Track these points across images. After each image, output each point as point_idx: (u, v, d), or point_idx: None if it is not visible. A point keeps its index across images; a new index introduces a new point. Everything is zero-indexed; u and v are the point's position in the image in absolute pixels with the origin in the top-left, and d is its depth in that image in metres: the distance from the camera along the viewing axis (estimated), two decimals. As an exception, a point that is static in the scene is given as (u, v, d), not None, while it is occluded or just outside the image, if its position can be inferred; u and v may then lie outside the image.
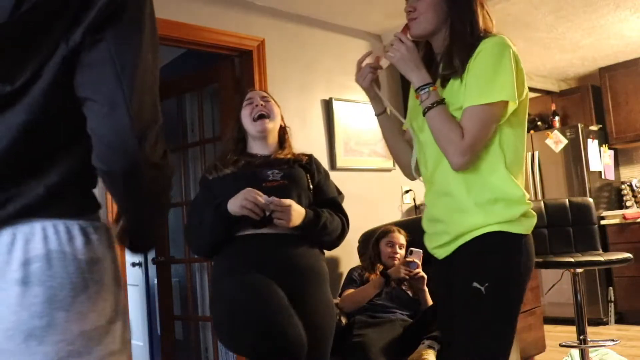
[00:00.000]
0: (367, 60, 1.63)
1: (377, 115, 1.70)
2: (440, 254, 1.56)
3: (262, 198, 1.71)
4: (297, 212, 1.78)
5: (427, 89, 1.46)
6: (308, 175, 1.97)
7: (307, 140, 3.34)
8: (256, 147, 2.02)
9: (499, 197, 1.45)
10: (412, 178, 1.74)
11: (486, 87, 1.41)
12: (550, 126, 5.33)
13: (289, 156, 1.99)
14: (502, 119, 1.46)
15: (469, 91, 1.43)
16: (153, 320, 4.18)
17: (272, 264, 1.76)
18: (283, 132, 2.08)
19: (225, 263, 1.85)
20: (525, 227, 1.47)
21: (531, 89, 5.40)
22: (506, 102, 1.43)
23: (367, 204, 3.46)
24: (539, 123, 5.40)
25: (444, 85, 1.51)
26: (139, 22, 0.83)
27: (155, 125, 0.84)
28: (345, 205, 3.37)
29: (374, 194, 3.62)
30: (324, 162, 3.45)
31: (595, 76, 5.36)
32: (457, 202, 1.49)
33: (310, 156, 2.06)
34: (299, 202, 1.83)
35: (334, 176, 3.40)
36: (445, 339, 1.66)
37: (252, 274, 1.73)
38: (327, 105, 3.55)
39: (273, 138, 2.02)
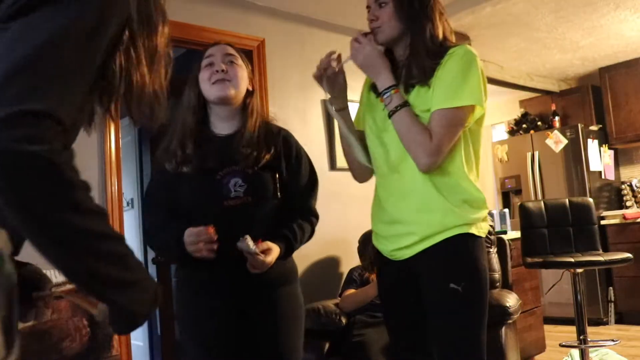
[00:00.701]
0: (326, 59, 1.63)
1: (337, 111, 1.66)
2: (401, 255, 1.55)
3: (207, 239, 1.52)
4: (272, 259, 1.59)
5: (389, 93, 1.49)
6: (277, 175, 1.69)
7: (307, 140, 3.33)
8: (217, 121, 1.71)
9: (466, 199, 1.50)
10: (364, 180, 1.72)
11: (456, 92, 1.45)
12: (550, 126, 5.33)
13: (252, 148, 1.65)
14: (469, 124, 1.50)
15: (438, 95, 1.46)
16: (153, 320, 4.18)
17: (239, 286, 1.63)
18: (248, 95, 1.74)
19: (187, 285, 1.74)
20: (484, 230, 1.55)
21: (531, 89, 5.42)
22: (473, 107, 1.47)
23: (367, 204, 3.45)
24: (539, 123, 5.40)
25: (407, 91, 1.53)
26: (54, 16, 0.71)
27: (23, 110, 0.66)
28: (346, 205, 3.39)
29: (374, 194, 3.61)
30: (324, 162, 3.45)
31: (595, 76, 5.36)
32: (425, 203, 1.50)
33: (276, 142, 1.72)
34: (263, 218, 1.65)
35: (334, 176, 3.42)
36: (404, 339, 1.63)
37: (210, 318, 1.65)
38: (327, 105, 3.55)
39: (237, 103, 1.70)
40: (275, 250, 1.60)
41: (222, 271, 1.63)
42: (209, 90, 1.66)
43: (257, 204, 1.64)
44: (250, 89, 1.75)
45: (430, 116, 1.47)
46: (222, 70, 1.65)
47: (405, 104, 1.47)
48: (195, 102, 1.70)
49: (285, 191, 1.71)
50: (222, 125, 1.72)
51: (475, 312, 1.49)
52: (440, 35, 1.53)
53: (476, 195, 1.52)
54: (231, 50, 1.73)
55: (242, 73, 1.71)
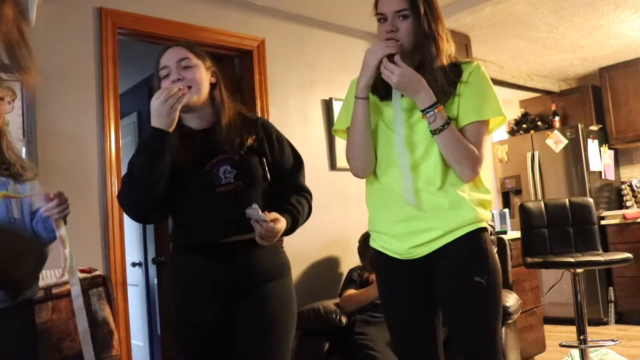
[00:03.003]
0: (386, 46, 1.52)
1: (364, 98, 1.57)
2: (418, 253, 1.56)
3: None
4: (281, 231, 1.61)
5: (432, 111, 1.50)
6: (263, 158, 1.71)
7: (307, 140, 3.34)
8: (190, 121, 1.71)
9: (482, 198, 1.59)
10: (367, 174, 1.67)
11: (487, 105, 1.55)
12: (550, 126, 5.33)
13: (233, 136, 1.66)
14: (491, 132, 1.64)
15: (470, 108, 1.54)
16: (153, 320, 4.18)
17: (230, 278, 1.63)
18: (213, 88, 1.71)
19: (178, 278, 1.71)
20: (488, 227, 1.64)
21: (531, 89, 5.42)
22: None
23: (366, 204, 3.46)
24: (539, 123, 5.40)
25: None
26: None
27: None
28: (346, 205, 3.39)
29: (374, 194, 3.61)
30: (324, 162, 3.45)
31: (595, 76, 5.36)
32: (449, 199, 1.53)
33: (256, 128, 1.73)
34: (256, 202, 1.61)
35: (334, 176, 3.42)
36: (411, 340, 1.64)
37: (200, 309, 1.65)
38: (327, 105, 3.55)
39: (204, 103, 1.69)
40: (282, 220, 1.61)
41: (214, 261, 1.63)
42: None
43: (249, 188, 1.66)
44: (214, 81, 1.72)
45: (464, 128, 1.54)
46: (178, 79, 1.63)
47: (450, 121, 1.51)
48: None
49: (274, 174, 1.73)
50: (196, 123, 1.72)
51: (497, 303, 1.55)
52: (453, 53, 1.59)
53: (488, 195, 1.61)
54: (183, 53, 1.68)
55: (199, 73, 1.67)
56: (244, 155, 1.67)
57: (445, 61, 1.56)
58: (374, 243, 1.70)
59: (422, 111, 1.51)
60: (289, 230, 1.68)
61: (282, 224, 1.60)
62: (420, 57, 1.56)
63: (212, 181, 1.63)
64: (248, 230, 1.58)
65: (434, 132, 1.51)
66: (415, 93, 1.50)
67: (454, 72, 1.56)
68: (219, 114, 1.70)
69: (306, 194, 1.80)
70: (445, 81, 1.54)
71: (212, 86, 1.71)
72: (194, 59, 1.68)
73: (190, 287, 1.67)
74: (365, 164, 1.64)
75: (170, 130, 1.56)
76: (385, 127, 1.62)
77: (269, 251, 1.68)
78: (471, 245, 1.54)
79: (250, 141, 1.69)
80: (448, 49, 1.57)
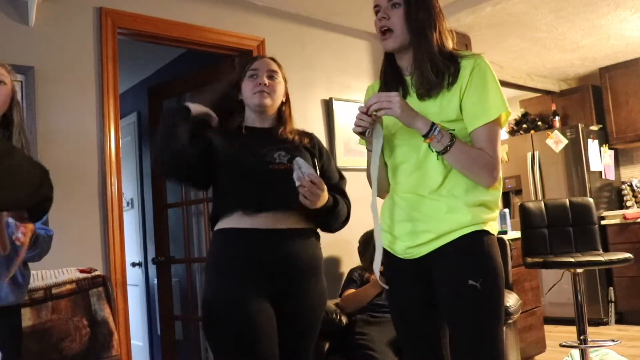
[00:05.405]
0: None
1: (371, 150, 1.63)
2: (415, 253, 1.56)
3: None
4: (324, 197, 1.73)
5: (437, 129, 1.47)
6: (314, 159, 1.87)
7: (307, 140, 3.34)
8: (253, 119, 1.91)
9: (484, 201, 1.54)
10: (386, 196, 1.74)
11: (491, 104, 1.51)
12: (550, 126, 5.33)
13: (291, 135, 1.88)
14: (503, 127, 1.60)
15: (475, 111, 1.51)
16: (153, 320, 4.18)
17: (270, 265, 1.71)
18: (283, 105, 1.95)
19: (219, 263, 1.76)
20: (496, 229, 1.60)
21: (531, 89, 5.42)
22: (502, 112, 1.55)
23: (368, 205, 3.45)
24: (539, 123, 5.40)
25: (422, 99, 1.56)
26: None
27: None
28: (346, 205, 3.39)
29: (374, 194, 3.61)
30: (324, 162, 3.45)
31: (595, 76, 5.36)
32: (444, 203, 1.52)
33: (311, 137, 1.95)
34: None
35: (334, 176, 3.42)
36: (414, 340, 1.65)
37: (243, 293, 1.67)
38: (327, 105, 3.55)
39: (273, 111, 1.91)
40: (326, 189, 1.73)
41: (262, 246, 1.71)
42: (250, 99, 1.87)
43: None
44: (284, 100, 1.95)
45: (474, 133, 1.52)
46: (264, 84, 1.85)
47: (454, 135, 1.49)
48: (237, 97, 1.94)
49: (320, 175, 1.83)
50: (259, 123, 1.91)
51: (493, 307, 1.51)
52: (450, 46, 1.58)
53: (494, 194, 1.57)
54: (274, 67, 1.92)
55: (280, 88, 1.91)
56: (299, 148, 1.85)
57: (437, 52, 1.54)
58: (383, 241, 1.70)
59: (425, 136, 1.48)
60: (331, 207, 1.78)
61: (324, 187, 1.71)
62: (414, 49, 1.56)
63: (266, 161, 1.77)
64: (296, 207, 1.71)
65: (443, 152, 1.48)
66: (413, 119, 1.48)
67: (449, 64, 1.53)
68: (281, 122, 1.92)
69: (347, 199, 1.93)
70: (435, 72, 1.52)
71: (282, 103, 1.94)
72: (280, 76, 1.92)
73: (235, 270, 1.71)
74: (385, 192, 1.74)
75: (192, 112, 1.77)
76: (389, 134, 1.62)
77: (313, 243, 1.82)
78: (467, 248, 1.51)
79: (305, 141, 1.89)
80: (439, 40, 1.56)
